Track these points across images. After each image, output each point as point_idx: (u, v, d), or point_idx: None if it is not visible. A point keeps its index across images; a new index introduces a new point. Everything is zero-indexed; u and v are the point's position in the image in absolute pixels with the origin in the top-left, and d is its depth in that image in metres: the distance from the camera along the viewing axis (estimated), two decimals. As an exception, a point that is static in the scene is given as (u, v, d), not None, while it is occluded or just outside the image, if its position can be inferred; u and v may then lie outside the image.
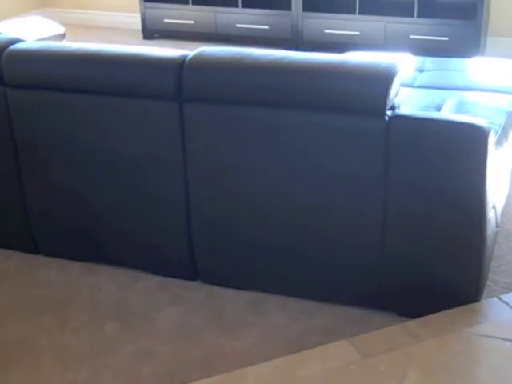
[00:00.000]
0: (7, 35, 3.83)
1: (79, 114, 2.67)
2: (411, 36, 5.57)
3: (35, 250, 3.02)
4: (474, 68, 3.96)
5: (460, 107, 3.14)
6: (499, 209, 2.64)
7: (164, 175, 2.63)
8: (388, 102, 2.29)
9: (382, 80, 2.29)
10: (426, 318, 2.41)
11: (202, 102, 2.48)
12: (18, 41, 2.84)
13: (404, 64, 2.68)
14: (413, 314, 2.47)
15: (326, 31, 5.80)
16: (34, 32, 5.01)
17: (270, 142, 2.45)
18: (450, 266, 2.42)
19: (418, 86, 3.65)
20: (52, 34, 5.15)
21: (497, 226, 2.60)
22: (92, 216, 2.82)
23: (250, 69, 2.44)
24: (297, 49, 5.84)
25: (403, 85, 2.82)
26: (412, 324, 2.40)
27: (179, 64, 2.50)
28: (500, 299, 2.53)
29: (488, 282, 2.65)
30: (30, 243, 3.00)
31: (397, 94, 2.36)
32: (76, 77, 2.62)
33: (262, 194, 2.54)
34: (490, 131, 2.26)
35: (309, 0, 5.82)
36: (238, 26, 6.03)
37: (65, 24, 5.58)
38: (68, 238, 2.92)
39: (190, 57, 2.53)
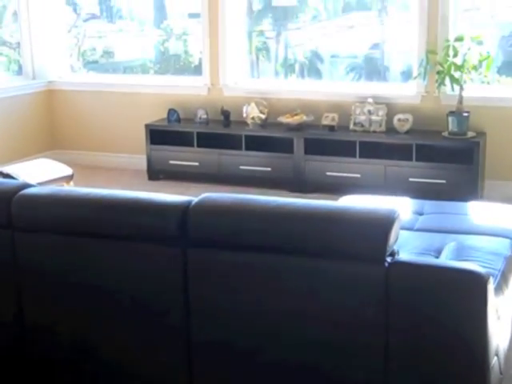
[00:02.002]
0: (17, 180, 3.96)
1: (85, 256, 2.70)
2: (410, 179, 5.71)
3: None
4: (472, 212, 4.03)
5: (459, 252, 3.18)
6: (502, 354, 2.63)
7: (166, 317, 2.64)
8: (387, 249, 2.34)
9: (381, 227, 2.34)
10: None
11: (206, 248, 2.53)
12: (28, 186, 2.92)
13: (403, 209, 2.75)
14: None
15: (328, 173, 5.94)
16: (42, 174, 5.15)
17: (272, 285, 2.48)
18: (454, 414, 2.38)
19: (418, 229, 3.71)
20: (60, 175, 5.30)
21: (501, 373, 2.58)
22: (91, 358, 2.80)
23: (253, 215, 2.50)
24: (299, 191, 5.96)
25: (403, 228, 2.88)
26: None
27: (183, 210, 2.56)
28: None
29: (494, 431, 2.59)
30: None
31: (396, 240, 2.41)
32: (84, 221, 2.68)
33: (264, 336, 2.53)
34: (488, 278, 2.29)
35: (310, 143, 6.00)
36: (242, 167, 6.19)
37: (73, 165, 5.73)
38: (67, 381, 2.89)
39: (194, 203, 2.59)
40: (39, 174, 5.15)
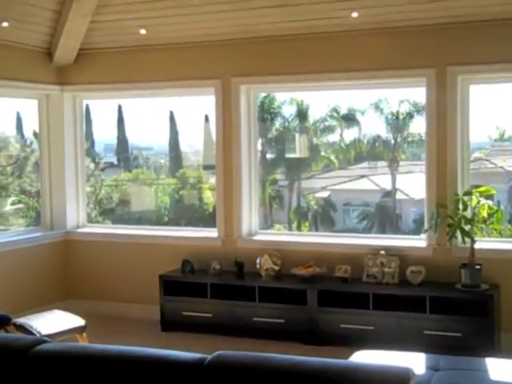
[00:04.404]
0: (33, 336, 3.97)
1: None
2: (425, 331, 5.64)
3: None
4: (489, 368, 3.97)
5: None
6: None
7: None
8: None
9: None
10: None
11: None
12: (43, 341, 2.94)
13: (418, 364, 2.72)
14: None
15: (342, 325, 5.90)
16: (55, 326, 5.16)
17: None
18: None
19: (434, 388, 3.65)
20: (73, 326, 5.30)
21: None
22: None
23: (267, 375, 2.50)
24: (313, 343, 5.90)
25: (419, 385, 2.84)
26: None
27: (197, 369, 2.56)
28: None
29: None
30: None
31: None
32: (98, 380, 2.68)
33: None
34: None
35: (324, 295, 5.99)
36: (255, 319, 6.16)
37: (86, 314, 5.72)
38: None
39: (207, 361, 2.60)
40: (52, 325, 5.17)
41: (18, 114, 7.75)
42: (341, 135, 8.01)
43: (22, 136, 7.91)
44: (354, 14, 5.96)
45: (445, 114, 5.96)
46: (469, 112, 6.02)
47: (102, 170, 8.43)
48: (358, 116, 7.71)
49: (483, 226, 5.87)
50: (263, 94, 7.51)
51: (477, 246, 5.76)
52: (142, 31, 6.69)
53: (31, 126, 7.60)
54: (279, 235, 7.06)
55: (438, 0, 5.72)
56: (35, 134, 7.54)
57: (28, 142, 7.88)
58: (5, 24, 6.19)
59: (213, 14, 6.36)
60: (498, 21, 5.73)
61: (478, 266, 5.71)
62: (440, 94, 5.96)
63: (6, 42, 6.48)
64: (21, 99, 7.29)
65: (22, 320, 5.18)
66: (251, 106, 6.78)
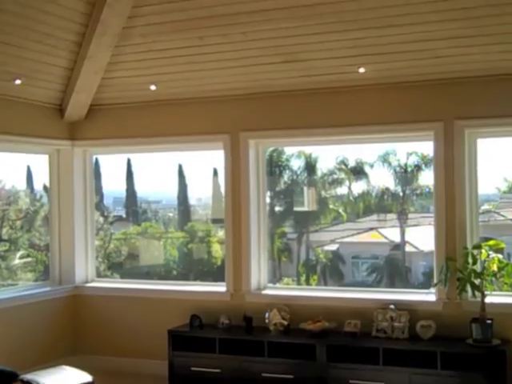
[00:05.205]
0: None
1: None
2: (437, 387, 5.58)
3: None
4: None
5: None
6: None
7: None
8: None
9: None
10: None
11: None
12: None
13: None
14: None
15: (351, 381, 5.82)
16: (64, 381, 5.13)
17: None
18: None
19: None
20: (81, 382, 5.27)
21: None
22: None
23: None
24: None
25: None
26: None
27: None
28: None
29: None
30: None
31: None
32: None
33: None
34: None
35: (333, 350, 5.93)
36: (264, 375, 6.09)
37: (94, 369, 5.67)
38: None
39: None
40: (60, 381, 5.14)
41: (28, 168, 7.81)
42: (349, 188, 8.04)
43: (32, 190, 7.97)
44: (361, 70, 6.04)
45: (453, 167, 5.99)
46: (477, 164, 6.05)
47: (111, 223, 8.46)
48: (367, 169, 7.74)
49: (493, 279, 5.82)
50: (272, 148, 7.57)
51: (487, 300, 5.70)
52: (152, 87, 6.78)
53: (41, 180, 7.66)
54: (288, 290, 7.02)
55: (444, 56, 5.79)
56: (45, 188, 7.59)
57: (38, 196, 7.94)
58: (18, 81, 6.29)
59: (221, 70, 6.46)
60: (505, 75, 5.79)
61: (489, 321, 5.65)
62: (448, 146, 6.01)
63: (19, 98, 6.58)
64: (32, 154, 7.36)
65: (29, 376, 5.14)
66: (260, 159, 6.83)
